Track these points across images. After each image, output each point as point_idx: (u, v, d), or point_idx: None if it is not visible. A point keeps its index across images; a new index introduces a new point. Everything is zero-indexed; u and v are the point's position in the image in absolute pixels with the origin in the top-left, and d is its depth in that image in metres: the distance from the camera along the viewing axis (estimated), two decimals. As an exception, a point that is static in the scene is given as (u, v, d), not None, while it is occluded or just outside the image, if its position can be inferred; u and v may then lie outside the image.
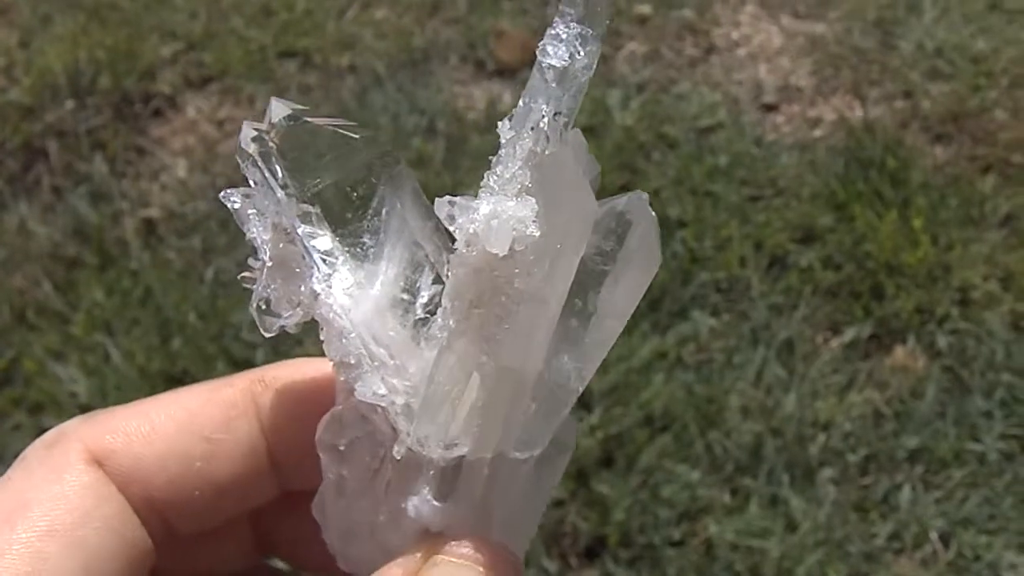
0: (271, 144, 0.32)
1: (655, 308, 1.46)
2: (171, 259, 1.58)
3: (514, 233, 0.28)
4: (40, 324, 1.49)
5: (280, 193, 0.32)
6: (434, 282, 0.33)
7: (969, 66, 1.82)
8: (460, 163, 1.68)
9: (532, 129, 0.28)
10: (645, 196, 0.31)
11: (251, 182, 0.32)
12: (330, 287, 0.32)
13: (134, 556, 0.33)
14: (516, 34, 1.92)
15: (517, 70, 1.88)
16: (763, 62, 1.90)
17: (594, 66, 0.28)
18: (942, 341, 1.42)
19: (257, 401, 0.36)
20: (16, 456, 0.34)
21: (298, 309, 0.32)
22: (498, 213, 0.28)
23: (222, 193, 0.32)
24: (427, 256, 0.33)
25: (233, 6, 2.04)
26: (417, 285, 0.33)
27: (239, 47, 1.94)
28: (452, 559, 0.31)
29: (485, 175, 0.29)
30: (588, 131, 1.74)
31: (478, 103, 1.83)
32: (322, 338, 0.32)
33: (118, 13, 2.02)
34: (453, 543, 0.31)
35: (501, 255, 0.28)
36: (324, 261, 0.32)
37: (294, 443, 0.36)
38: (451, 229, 0.29)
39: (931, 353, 1.42)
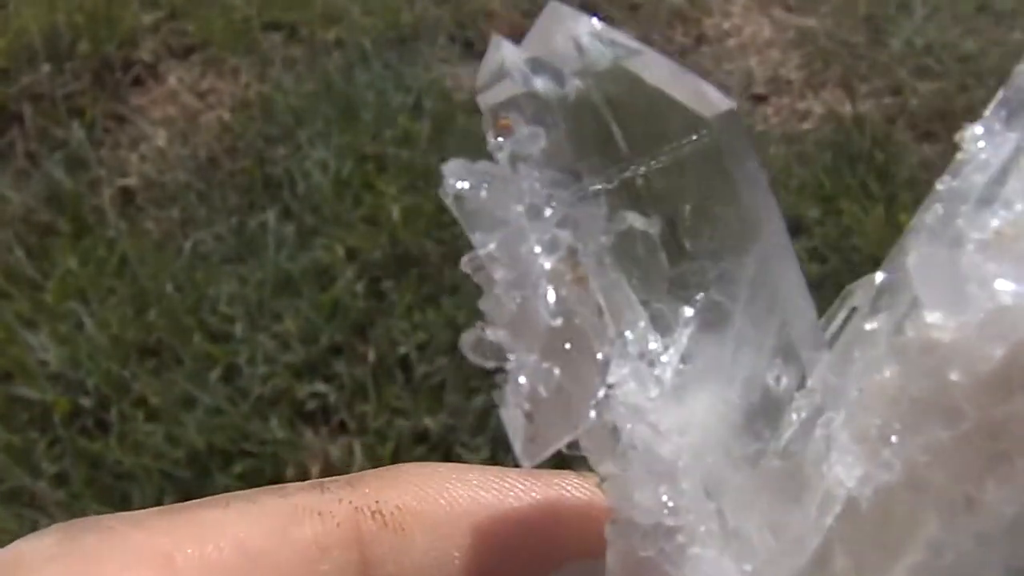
0: (569, 87, 0.17)
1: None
2: (149, 229, 1.54)
3: None
4: (11, 291, 1.45)
5: (582, 182, 0.17)
6: (800, 385, 0.19)
7: (957, 65, 1.83)
8: (447, 143, 1.66)
9: None
10: None
11: (506, 156, 0.18)
12: (653, 374, 0.18)
13: None
14: (506, 15, 1.90)
15: (506, 52, 1.87)
16: (753, 53, 1.89)
17: None
18: (924, 336, 1.43)
19: (366, 548, 0.21)
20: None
21: (587, 417, 0.17)
22: None
23: (446, 166, 0.18)
24: (794, 338, 0.18)
25: (218, -25, 2.00)
26: (775, 389, 0.18)
27: (223, 17, 1.90)
28: None
29: (949, 205, 0.17)
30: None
31: (465, 83, 1.81)
32: (603, 470, 0.18)
33: (99, -23, 1.98)
34: None
35: None
36: (642, 324, 0.18)
37: None
38: (935, 294, 0.16)
39: (913, 348, 1.43)
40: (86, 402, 1.30)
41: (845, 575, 0.17)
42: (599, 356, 0.17)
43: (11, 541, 0.20)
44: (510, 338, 0.17)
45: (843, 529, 0.17)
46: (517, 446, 0.17)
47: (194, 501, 0.22)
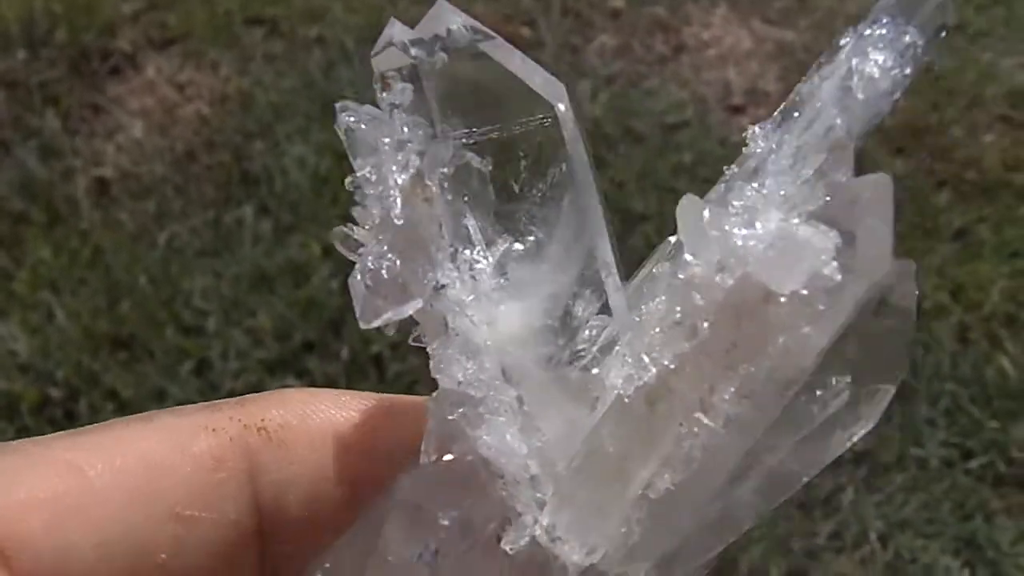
0: (436, 58, 0.23)
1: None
2: (123, 220, 1.53)
3: (810, 269, 0.19)
4: (-20, 279, 1.43)
5: (436, 128, 0.23)
6: (600, 312, 0.24)
7: (931, 84, 1.86)
8: (426, 143, 1.66)
9: (823, 141, 0.21)
10: (912, 267, 0.23)
11: (386, 104, 0.23)
12: (474, 280, 0.23)
13: None
14: (488, 17, 1.90)
15: (488, 54, 1.87)
16: (732, 64, 1.91)
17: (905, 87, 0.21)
18: (891, 348, 1.45)
19: (253, 458, 0.24)
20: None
21: (415, 300, 0.23)
22: (791, 235, 0.20)
23: (339, 104, 0.23)
24: (598, 274, 0.23)
25: (200, -32, 1.99)
26: (576, 311, 0.23)
27: (204, 10, 1.89)
28: None
29: (729, 184, 0.21)
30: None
31: (447, 84, 1.82)
32: (431, 349, 0.23)
33: (79, -34, 1.96)
34: None
35: (781, 295, 0.20)
36: (472, 241, 0.23)
37: (300, 522, 0.24)
38: (689, 238, 0.20)
39: (880, 359, 1.45)
40: (55, 393, 1.29)
41: (613, 457, 0.21)
42: (432, 258, 0.23)
43: None
44: (369, 237, 0.23)
45: (611, 420, 0.21)
46: (357, 309, 0.23)
47: (96, 424, 0.24)
